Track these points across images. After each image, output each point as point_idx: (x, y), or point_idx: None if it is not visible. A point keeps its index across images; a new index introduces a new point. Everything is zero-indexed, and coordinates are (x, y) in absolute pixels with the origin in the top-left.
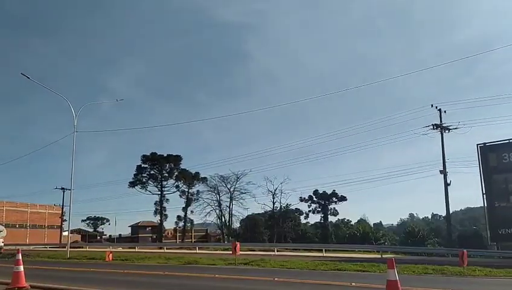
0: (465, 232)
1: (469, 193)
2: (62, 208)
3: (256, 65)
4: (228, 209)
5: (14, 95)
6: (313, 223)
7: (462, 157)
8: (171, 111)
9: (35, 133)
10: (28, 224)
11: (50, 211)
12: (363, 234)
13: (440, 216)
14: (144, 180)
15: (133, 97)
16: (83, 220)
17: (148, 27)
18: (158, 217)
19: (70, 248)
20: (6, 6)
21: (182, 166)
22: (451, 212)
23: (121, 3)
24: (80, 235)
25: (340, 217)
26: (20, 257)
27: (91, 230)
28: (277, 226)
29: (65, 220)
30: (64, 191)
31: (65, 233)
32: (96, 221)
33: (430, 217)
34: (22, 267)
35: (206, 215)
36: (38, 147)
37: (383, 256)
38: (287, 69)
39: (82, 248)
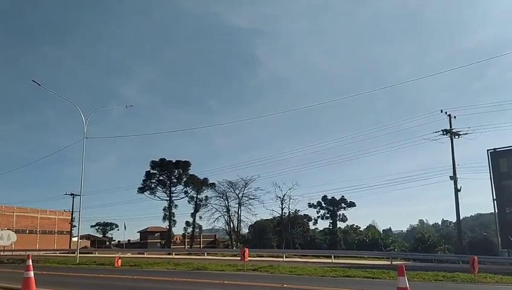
0: (475, 238)
1: (479, 198)
2: (72, 214)
3: (266, 70)
4: (236, 215)
5: (27, 101)
6: (321, 229)
7: (473, 163)
8: (180, 117)
9: (47, 138)
10: (38, 230)
11: (60, 217)
12: (373, 241)
13: (450, 222)
14: (153, 186)
15: (143, 103)
16: (92, 226)
17: (159, 33)
18: (167, 223)
19: (79, 253)
20: (18, 14)
21: (191, 172)
22: (461, 218)
23: (131, 10)
24: (89, 241)
25: (349, 223)
26: (31, 263)
27: (100, 236)
28: (285, 232)
29: (74, 226)
30: (74, 197)
31: (74, 239)
32: (105, 227)
33: (440, 223)
34: (32, 273)
35: (214, 221)
36: (49, 153)
37: (392, 263)
38: (297, 74)
39: (91, 253)
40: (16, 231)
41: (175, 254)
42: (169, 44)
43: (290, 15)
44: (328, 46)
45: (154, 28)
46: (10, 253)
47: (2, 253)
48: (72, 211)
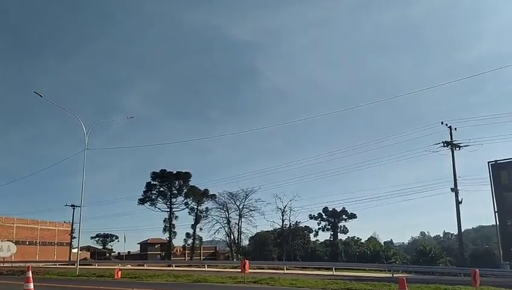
0: (477, 250)
1: (481, 210)
2: (72, 225)
3: (267, 83)
4: (237, 227)
5: (29, 113)
6: (322, 241)
7: (474, 175)
8: (182, 128)
9: (48, 150)
10: (38, 241)
11: (60, 228)
12: (374, 253)
13: (452, 234)
14: (154, 197)
15: (144, 115)
16: (92, 237)
17: (161, 46)
18: (167, 234)
19: (79, 265)
20: (22, 27)
21: (191, 183)
22: (463, 230)
23: (134, 23)
24: (89, 253)
25: (350, 235)
26: (31, 274)
27: (100, 247)
28: (286, 243)
29: (74, 237)
30: (74, 208)
31: (74, 250)
32: (105, 238)
33: (441, 235)
34: (32, 285)
35: (215, 233)
36: (51, 164)
37: (394, 275)
38: (298, 87)
39: (91, 265)
40: (16, 242)
41: (175, 266)
42: (171, 56)
43: (292, 28)
44: (329, 59)
45: (156, 41)
46: (10, 264)
47: (1, 264)
48: (72, 223)
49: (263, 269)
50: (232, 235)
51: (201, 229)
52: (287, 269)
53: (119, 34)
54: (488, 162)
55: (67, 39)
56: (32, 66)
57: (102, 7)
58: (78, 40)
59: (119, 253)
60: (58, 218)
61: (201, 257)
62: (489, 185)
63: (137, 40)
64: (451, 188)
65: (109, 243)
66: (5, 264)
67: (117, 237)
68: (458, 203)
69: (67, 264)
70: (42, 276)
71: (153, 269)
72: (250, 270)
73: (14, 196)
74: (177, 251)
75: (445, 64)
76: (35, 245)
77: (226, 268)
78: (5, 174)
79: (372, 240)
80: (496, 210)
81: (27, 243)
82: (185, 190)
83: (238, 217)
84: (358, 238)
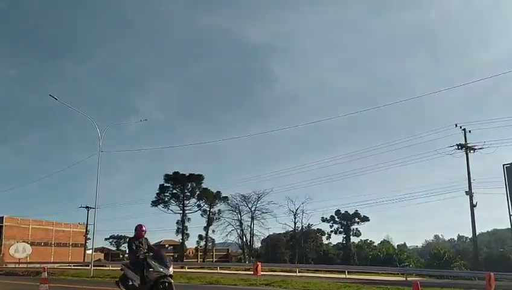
0: (492, 254)
1: (496, 213)
2: (86, 227)
3: (281, 86)
4: (249, 229)
5: (46, 115)
6: (335, 243)
7: (489, 177)
8: (195, 131)
9: (64, 152)
10: (53, 242)
11: (74, 230)
12: (387, 256)
13: (466, 238)
14: (166, 199)
15: (158, 118)
16: (106, 239)
17: (175, 49)
18: (180, 236)
19: (93, 266)
20: (38, 30)
21: (204, 185)
22: (477, 233)
23: (149, 26)
24: (103, 254)
25: (362, 237)
26: (46, 275)
27: (114, 248)
28: (298, 246)
29: (89, 239)
30: (88, 210)
31: (89, 251)
32: (119, 239)
33: (455, 238)
34: (47, 286)
35: (227, 235)
36: (66, 167)
37: (407, 279)
38: (312, 90)
39: (105, 266)
40: (31, 244)
41: (188, 268)
42: (185, 59)
43: (307, 32)
44: (344, 62)
45: (170, 44)
46: (25, 265)
47: (17, 265)
48: (87, 224)
49: (275, 271)
50: (244, 238)
51: (213, 231)
52: (299, 272)
53: (134, 36)
54: (503, 165)
55: (83, 42)
56: (48, 69)
57: (118, 10)
58: (94, 42)
59: None
60: (73, 219)
61: (214, 259)
62: (504, 188)
63: (152, 43)
64: (465, 191)
65: (123, 245)
66: (21, 265)
67: None
68: (473, 206)
69: (82, 266)
70: (57, 277)
71: None
72: (262, 273)
73: (30, 198)
74: (189, 252)
75: (462, 66)
76: (50, 246)
77: (238, 270)
78: (21, 176)
79: (385, 243)
80: (510, 213)
81: (42, 244)
82: (197, 192)
83: (250, 219)
84: (371, 241)
